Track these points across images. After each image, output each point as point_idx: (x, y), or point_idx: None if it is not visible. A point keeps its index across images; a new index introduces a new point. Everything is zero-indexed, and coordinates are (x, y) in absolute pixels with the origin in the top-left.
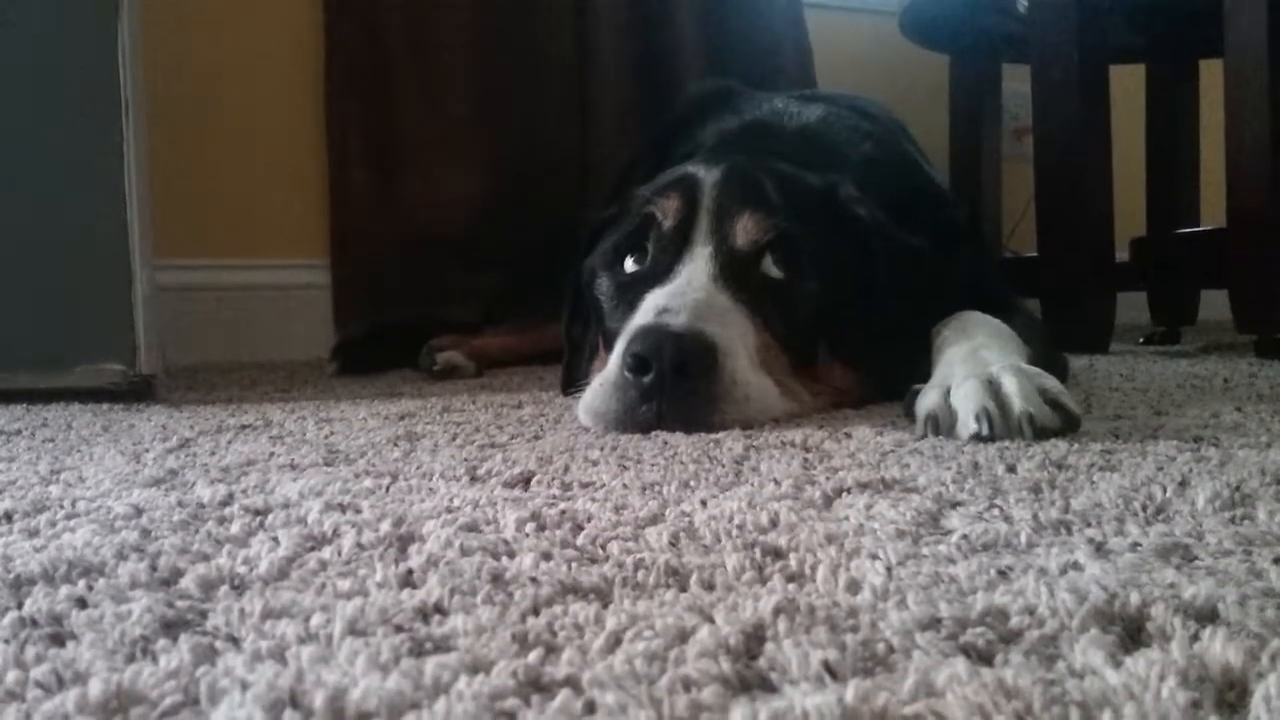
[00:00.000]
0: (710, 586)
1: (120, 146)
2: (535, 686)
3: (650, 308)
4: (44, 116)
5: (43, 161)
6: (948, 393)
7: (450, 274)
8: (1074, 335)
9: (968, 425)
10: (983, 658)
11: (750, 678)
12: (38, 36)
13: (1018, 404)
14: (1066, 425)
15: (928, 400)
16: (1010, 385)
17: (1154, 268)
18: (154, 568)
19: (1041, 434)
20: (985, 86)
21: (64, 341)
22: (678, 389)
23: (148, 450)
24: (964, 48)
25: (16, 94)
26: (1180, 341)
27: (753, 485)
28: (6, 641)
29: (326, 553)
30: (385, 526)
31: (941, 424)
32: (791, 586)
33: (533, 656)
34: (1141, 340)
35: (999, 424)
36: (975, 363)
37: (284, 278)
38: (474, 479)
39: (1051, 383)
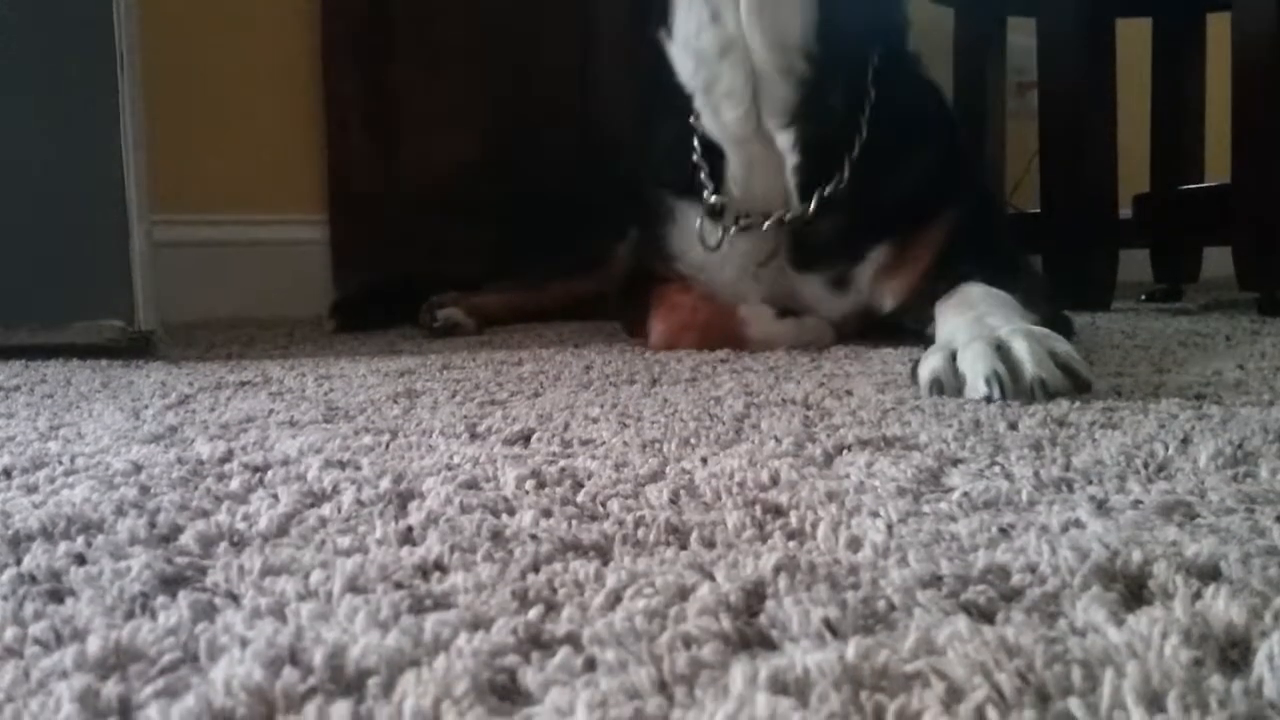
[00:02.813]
0: (711, 544)
1: (117, 101)
2: (535, 643)
3: None
4: (39, 72)
5: (38, 118)
6: (953, 356)
7: (450, 229)
8: (1076, 292)
9: (977, 388)
10: (984, 615)
11: (751, 635)
12: None
13: (1029, 368)
14: (1076, 389)
15: (932, 363)
16: (1021, 349)
17: (1157, 224)
18: (153, 524)
19: (1052, 397)
20: (989, 40)
21: (62, 298)
22: None
23: (147, 407)
24: (968, 1)
25: (10, 50)
26: (1182, 299)
27: (753, 443)
28: (5, 598)
29: (326, 509)
30: (385, 483)
31: (946, 388)
32: (792, 544)
33: (533, 614)
34: (1144, 297)
35: (1010, 388)
36: (980, 327)
37: (283, 234)
38: (474, 436)
39: (1061, 345)
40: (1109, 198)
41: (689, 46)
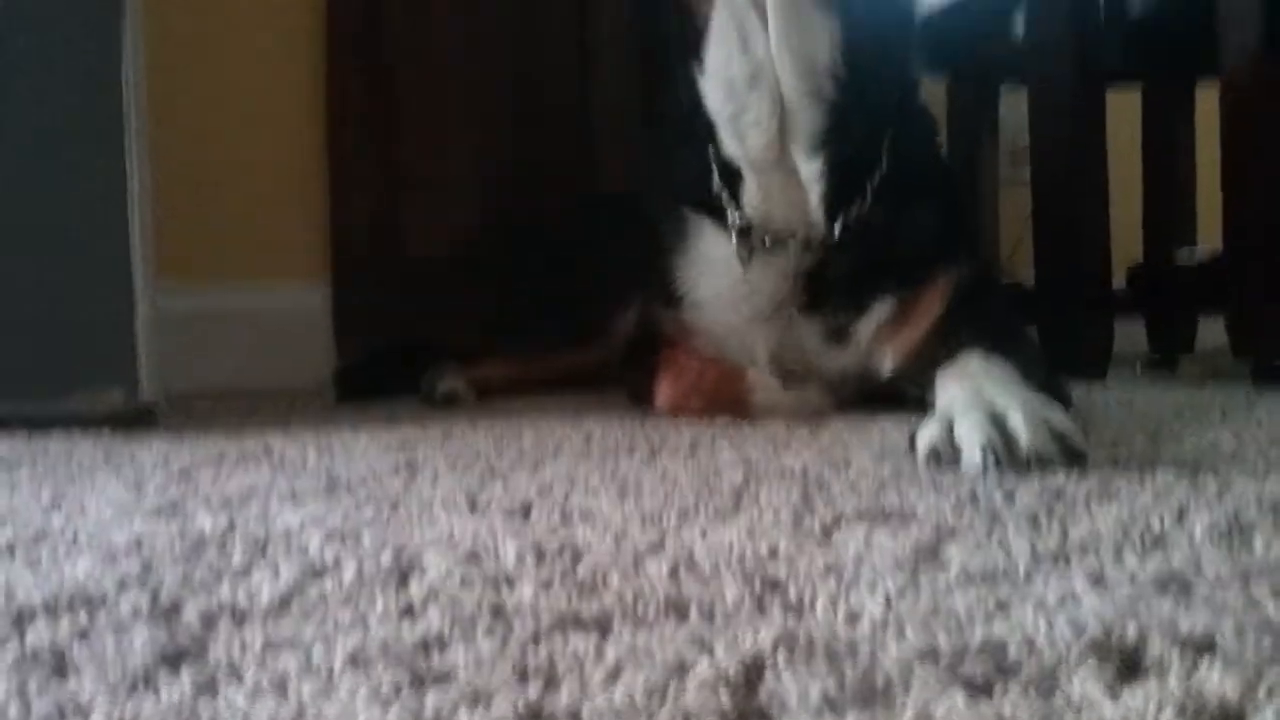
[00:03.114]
0: (710, 618)
1: (123, 165)
2: (536, 719)
3: None
4: (45, 137)
5: (43, 184)
6: (950, 426)
7: (452, 296)
8: (1071, 363)
9: (973, 460)
10: (981, 689)
11: (749, 710)
12: (39, 57)
13: (1025, 440)
14: (1072, 460)
15: (929, 433)
16: (1017, 420)
17: (1150, 296)
18: (155, 599)
19: (1048, 468)
20: (982, 110)
21: (66, 368)
22: None
23: (149, 479)
24: (962, 72)
25: (16, 113)
26: (1178, 368)
27: (752, 515)
28: (8, 674)
29: (327, 584)
30: (386, 557)
31: (943, 458)
32: (791, 618)
33: (533, 688)
34: (1139, 368)
35: (1005, 459)
36: (978, 398)
37: (285, 303)
38: (474, 508)
39: (1058, 416)
40: (1103, 268)
41: (720, 76)
